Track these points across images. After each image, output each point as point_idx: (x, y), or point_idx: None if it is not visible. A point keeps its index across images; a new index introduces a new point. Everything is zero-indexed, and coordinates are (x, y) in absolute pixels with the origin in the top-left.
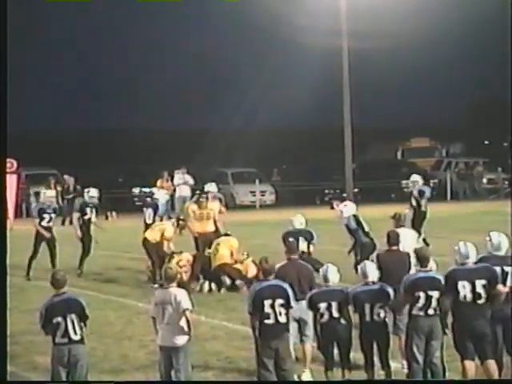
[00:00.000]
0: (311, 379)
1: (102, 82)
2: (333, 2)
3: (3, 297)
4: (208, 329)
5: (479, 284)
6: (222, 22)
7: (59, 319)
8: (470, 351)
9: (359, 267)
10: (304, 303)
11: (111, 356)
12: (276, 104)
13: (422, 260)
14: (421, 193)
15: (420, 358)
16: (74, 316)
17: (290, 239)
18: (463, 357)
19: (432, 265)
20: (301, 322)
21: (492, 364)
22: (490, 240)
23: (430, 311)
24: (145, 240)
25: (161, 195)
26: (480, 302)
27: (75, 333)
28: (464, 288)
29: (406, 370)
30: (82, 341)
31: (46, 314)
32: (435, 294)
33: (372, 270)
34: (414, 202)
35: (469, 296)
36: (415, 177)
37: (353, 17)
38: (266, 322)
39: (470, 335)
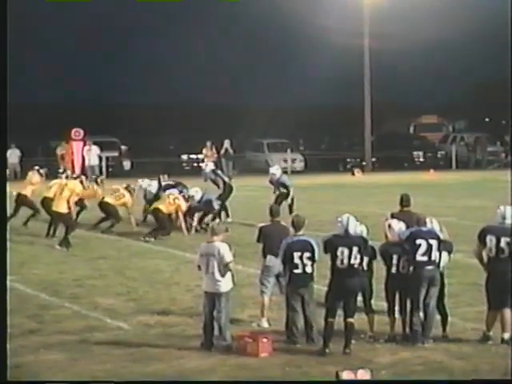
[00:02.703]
0: (267, 326)
1: (156, 59)
2: None
3: (3, 296)
4: (245, 276)
5: (504, 240)
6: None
7: None
8: (494, 301)
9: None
10: None
11: (161, 299)
12: (305, 83)
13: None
14: None
15: (421, 305)
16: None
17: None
18: (489, 305)
19: (435, 222)
20: (279, 276)
21: (507, 312)
22: (499, 211)
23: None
24: None
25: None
26: (503, 256)
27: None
28: (491, 241)
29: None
30: None
31: None
32: (434, 242)
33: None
34: None
35: (493, 250)
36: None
37: (373, 6)
38: (295, 271)
39: (496, 286)
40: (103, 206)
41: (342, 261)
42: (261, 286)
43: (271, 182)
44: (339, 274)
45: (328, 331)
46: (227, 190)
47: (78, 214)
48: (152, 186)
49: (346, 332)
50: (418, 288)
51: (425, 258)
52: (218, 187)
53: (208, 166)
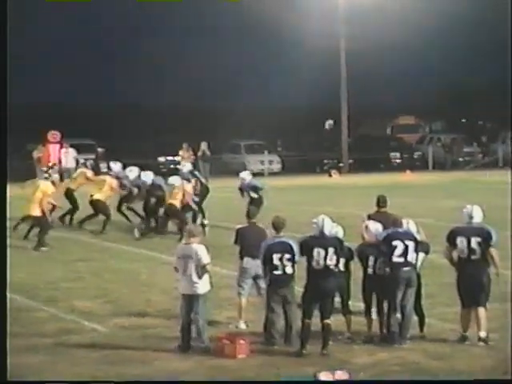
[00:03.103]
0: (245, 328)
1: (133, 61)
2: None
3: (3, 296)
4: (222, 278)
5: (474, 241)
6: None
7: None
8: (467, 299)
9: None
10: (259, 261)
11: (138, 301)
12: (284, 87)
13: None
14: None
15: (398, 306)
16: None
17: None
18: (462, 304)
19: (411, 223)
20: (256, 278)
21: (481, 311)
22: (465, 211)
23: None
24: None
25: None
26: (474, 257)
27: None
28: (462, 243)
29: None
30: None
31: None
32: (411, 244)
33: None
34: None
35: (465, 251)
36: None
37: (348, 7)
38: (275, 272)
39: (469, 286)
40: (93, 203)
41: (317, 262)
42: (238, 287)
43: (240, 188)
44: (315, 275)
45: (305, 332)
46: (204, 191)
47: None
48: (132, 171)
49: (323, 333)
50: (394, 289)
51: (401, 260)
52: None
53: (185, 167)
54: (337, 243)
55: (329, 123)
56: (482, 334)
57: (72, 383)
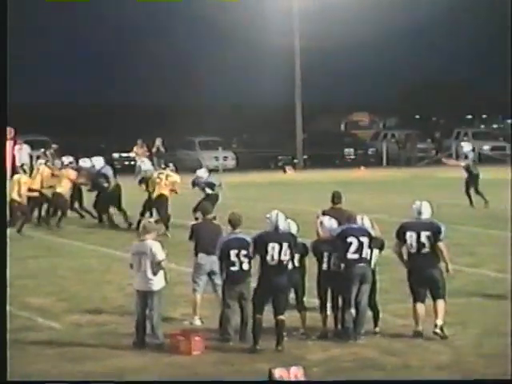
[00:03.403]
0: (200, 324)
1: (88, 58)
2: None
3: (3, 296)
4: (176, 275)
5: (424, 235)
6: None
7: None
8: (419, 294)
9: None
10: (215, 257)
11: (93, 298)
12: (238, 83)
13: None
14: None
15: (353, 302)
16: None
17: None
18: (414, 299)
19: (366, 219)
20: (211, 274)
21: (439, 302)
22: (414, 207)
23: (363, 255)
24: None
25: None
26: (424, 251)
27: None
28: (411, 237)
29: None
30: None
31: None
32: (365, 240)
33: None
34: None
35: (414, 245)
36: None
37: (304, 5)
38: (232, 268)
39: (421, 280)
40: (55, 197)
41: (272, 257)
42: (193, 284)
43: (196, 183)
44: (268, 271)
45: (256, 328)
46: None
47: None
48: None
49: (277, 329)
50: (349, 285)
51: (356, 256)
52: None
53: (144, 163)
54: (291, 238)
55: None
56: (439, 321)
57: (72, 383)
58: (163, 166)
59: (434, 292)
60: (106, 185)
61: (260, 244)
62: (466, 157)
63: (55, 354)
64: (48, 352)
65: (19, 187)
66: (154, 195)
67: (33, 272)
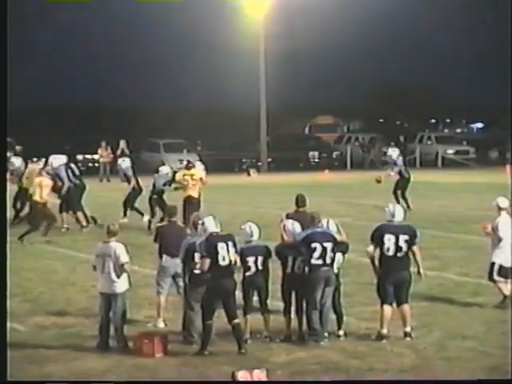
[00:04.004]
0: (163, 326)
1: (49, 59)
2: None
3: (3, 296)
4: (141, 277)
5: (402, 238)
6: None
7: None
8: (389, 297)
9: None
10: (179, 259)
11: (57, 300)
12: (204, 86)
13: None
14: None
15: (318, 304)
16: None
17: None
18: (383, 301)
19: (331, 223)
20: (175, 277)
21: (406, 307)
22: (387, 209)
23: (327, 260)
24: None
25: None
26: (400, 254)
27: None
28: (389, 240)
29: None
30: None
31: None
32: (329, 245)
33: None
34: None
35: (392, 248)
36: None
37: (268, 6)
38: (195, 271)
39: (393, 283)
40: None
41: (223, 257)
42: (157, 286)
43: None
44: (219, 272)
45: (206, 334)
46: (138, 190)
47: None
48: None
49: (235, 334)
50: (313, 288)
51: (320, 262)
52: (129, 184)
53: (125, 162)
54: (266, 252)
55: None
56: (408, 329)
57: (72, 383)
58: (185, 163)
59: (402, 295)
60: (60, 184)
61: (210, 245)
62: (396, 163)
63: (19, 356)
64: (12, 354)
65: (41, 190)
66: (183, 197)
67: None
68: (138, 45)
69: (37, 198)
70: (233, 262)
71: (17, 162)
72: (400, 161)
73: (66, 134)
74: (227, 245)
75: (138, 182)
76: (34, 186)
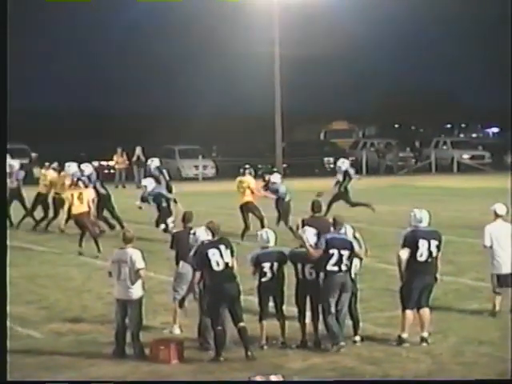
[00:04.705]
0: (179, 333)
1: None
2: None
3: (3, 296)
4: (156, 283)
5: (433, 244)
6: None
7: None
8: (413, 301)
9: (300, 232)
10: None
11: (73, 306)
12: (219, 92)
13: (337, 224)
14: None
15: (333, 309)
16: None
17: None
18: (406, 306)
19: (348, 229)
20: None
21: (427, 311)
22: (414, 214)
23: (343, 267)
24: None
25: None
26: (430, 259)
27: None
28: (423, 246)
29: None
30: None
31: None
32: (346, 253)
33: (311, 236)
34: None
35: (425, 253)
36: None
37: (283, 12)
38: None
39: (419, 288)
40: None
41: (217, 263)
42: (174, 292)
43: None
44: (216, 278)
45: (218, 340)
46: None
47: None
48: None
49: (241, 337)
50: (329, 294)
51: (335, 268)
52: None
53: (153, 162)
54: (282, 257)
55: None
56: (425, 334)
57: (72, 383)
58: (242, 171)
59: (424, 299)
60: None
61: (257, 263)
62: (347, 174)
63: (35, 363)
64: (28, 360)
65: (88, 200)
66: (240, 202)
67: (12, 280)
68: (152, 51)
69: (84, 209)
70: (230, 265)
71: (15, 164)
72: (352, 171)
73: (80, 139)
74: (219, 249)
75: (166, 180)
76: (76, 198)
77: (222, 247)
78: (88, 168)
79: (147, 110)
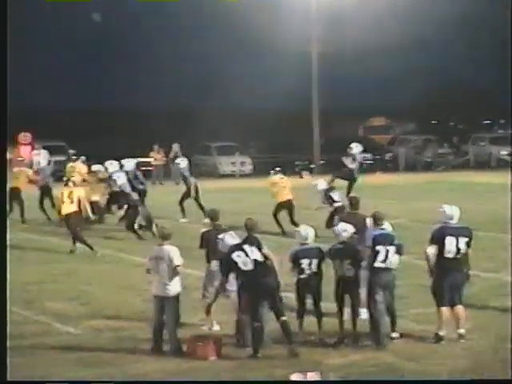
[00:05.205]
0: (218, 329)
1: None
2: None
3: (3, 297)
4: (194, 280)
5: (462, 241)
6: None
7: None
8: (447, 298)
9: (335, 228)
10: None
11: (112, 303)
12: (255, 88)
13: (378, 220)
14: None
15: (381, 306)
16: None
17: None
18: (441, 303)
19: (387, 226)
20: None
21: (461, 308)
22: (444, 211)
23: (388, 264)
24: None
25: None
26: (458, 256)
27: None
28: (450, 243)
29: (364, 316)
30: None
31: None
32: (392, 249)
33: (346, 231)
34: None
35: (453, 250)
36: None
37: (321, 9)
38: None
39: (450, 284)
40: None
41: (244, 263)
42: (204, 290)
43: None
44: (248, 277)
45: (256, 336)
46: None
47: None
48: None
49: (283, 331)
50: (375, 291)
51: (382, 265)
52: (186, 184)
53: (183, 162)
54: (319, 254)
55: None
56: (462, 331)
57: (72, 383)
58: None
59: (456, 296)
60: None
61: (295, 260)
62: (354, 159)
63: (74, 359)
64: (67, 356)
65: (79, 200)
66: (280, 200)
67: (52, 277)
68: (188, 47)
69: (73, 209)
70: (260, 260)
71: (43, 161)
72: (359, 158)
73: (117, 136)
74: (243, 250)
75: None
76: (66, 197)
77: (246, 246)
78: (129, 164)
79: (184, 107)
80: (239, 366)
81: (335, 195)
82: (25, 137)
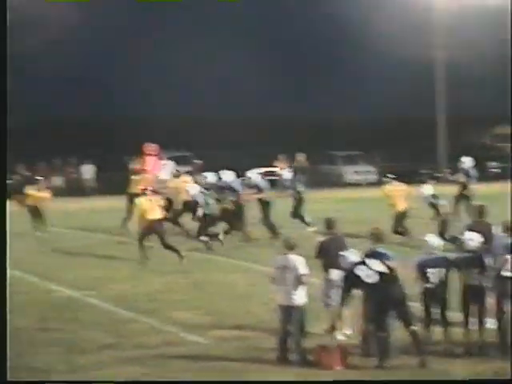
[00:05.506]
0: (343, 339)
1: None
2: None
3: (3, 297)
4: (319, 289)
5: None
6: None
7: None
8: None
9: (464, 237)
10: None
11: (237, 312)
12: (377, 96)
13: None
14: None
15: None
16: None
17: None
18: None
19: None
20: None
21: None
22: None
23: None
24: None
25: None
26: None
27: None
28: None
29: (491, 326)
30: None
31: None
32: None
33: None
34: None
35: None
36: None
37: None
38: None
39: None
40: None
41: (367, 276)
42: (325, 299)
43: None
44: (373, 288)
45: (381, 346)
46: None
47: None
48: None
49: (413, 341)
50: (503, 300)
51: (510, 274)
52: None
53: (285, 174)
54: (446, 264)
55: None
56: None
57: (72, 383)
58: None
59: None
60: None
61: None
62: (467, 174)
63: (200, 369)
64: (194, 366)
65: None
66: (400, 209)
67: (177, 287)
68: (304, 54)
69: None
70: (385, 271)
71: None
72: (473, 172)
73: (244, 146)
74: (365, 264)
75: (299, 192)
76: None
77: (367, 260)
78: (226, 175)
79: (309, 117)
80: (364, 376)
81: (440, 201)
82: (151, 148)
